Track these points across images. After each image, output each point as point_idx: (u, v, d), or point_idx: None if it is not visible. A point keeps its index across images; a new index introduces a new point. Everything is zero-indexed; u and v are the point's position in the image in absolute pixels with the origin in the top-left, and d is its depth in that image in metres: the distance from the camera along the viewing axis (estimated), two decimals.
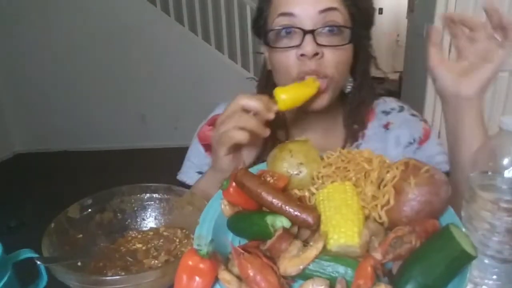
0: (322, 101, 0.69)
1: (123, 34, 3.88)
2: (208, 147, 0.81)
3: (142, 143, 4.21)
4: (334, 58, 0.66)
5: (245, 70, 4.03)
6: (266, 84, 0.79)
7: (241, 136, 0.58)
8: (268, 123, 0.62)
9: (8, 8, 3.80)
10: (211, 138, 0.65)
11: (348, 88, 0.76)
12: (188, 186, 0.79)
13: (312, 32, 0.63)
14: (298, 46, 0.64)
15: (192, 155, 0.86)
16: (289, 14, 0.65)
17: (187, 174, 0.84)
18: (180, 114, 4.19)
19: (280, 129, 0.79)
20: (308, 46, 0.63)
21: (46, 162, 3.97)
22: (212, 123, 0.80)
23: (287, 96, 0.61)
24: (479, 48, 0.58)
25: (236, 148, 0.63)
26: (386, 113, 0.82)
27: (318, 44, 0.64)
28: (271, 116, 0.60)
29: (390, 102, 0.84)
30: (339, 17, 0.65)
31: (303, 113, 0.76)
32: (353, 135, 0.79)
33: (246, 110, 0.60)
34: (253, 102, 0.59)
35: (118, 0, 3.80)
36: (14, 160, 4.14)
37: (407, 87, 3.57)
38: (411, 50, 3.60)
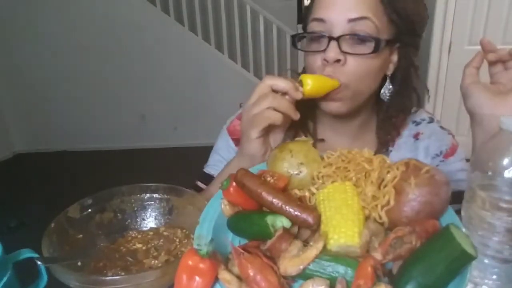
0: (338, 108, 0.69)
1: (123, 34, 3.88)
2: (238, 141, 0.81)
3: (142, 143, 4.21)
4: (357, 67, 0.65)
5: (245, 70, 4.04)
6: None
7: (276, 117, 0.59)
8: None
9: (7, 8, 3.80)
10: (240, 122, 0.66)
11: (387, 96, 0.74)
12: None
13: (337, 39, 0.64)
14: (323, 51, 0.65)
15: (220, 148, 0.86)
16: (321, 20, 0.66)
17: (214, 167, 0.84)
18: (180, 114, 4.19)
19: (310, 120, 0.81)
20: (331, 52, 0.64)
21: (46, 162, 3.97)
22: (233, 131, 0.82)
23: (313, 83, 0.63)
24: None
25: (268, 130, 0.64)
26: (417, 123, 0.82)
27: (342, 51, 0.64)
28: (299, 96, 0.61)
29: (420, 113, 0.84)
30: (370, 26, 0.64)
31: (334, 116, 0.76)
32: (384, 143, 0.79)
33: (275, 91, 0.61)
34: (282, 82, 0.60)
35: (118, 0, 3.80)
36: (14, 160, 4.14)
37: None
38: None
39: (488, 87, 0.60)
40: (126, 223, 0.67)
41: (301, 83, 0.63)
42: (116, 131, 4.24)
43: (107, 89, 4.11)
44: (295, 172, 0.53)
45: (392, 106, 0.76)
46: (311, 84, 0.62)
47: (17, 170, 3.90)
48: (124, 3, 3.80)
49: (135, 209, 0.68)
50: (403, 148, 0.80)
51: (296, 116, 0.62)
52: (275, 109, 0.59)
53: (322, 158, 0.55)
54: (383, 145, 0.79)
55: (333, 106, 0.69)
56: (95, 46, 3.93)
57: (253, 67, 4.04)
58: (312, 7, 0.69)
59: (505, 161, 0.43)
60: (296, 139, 0.61)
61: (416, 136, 0.81)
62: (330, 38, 0.64)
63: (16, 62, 4.01)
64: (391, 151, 0.79)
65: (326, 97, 0.67)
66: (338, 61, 0.64)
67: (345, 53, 0.64)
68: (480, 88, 0.60)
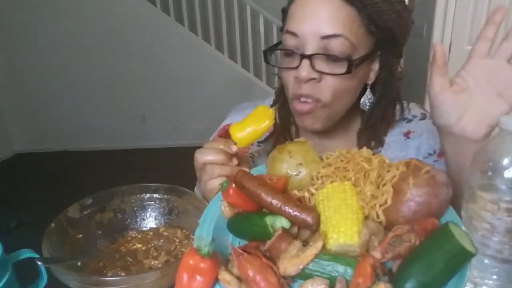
0: (312, 125, 0.68)
1: (123, 34, 3.88)
2: None
3: (142, 143, 4.21)
4: (333, 85, 0.63)
5: (245, 70, 4.04)
6: (282, 92, 0.79)
7: (219, 181, 0.57)
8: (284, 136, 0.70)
9: (7, 8, 3.80)
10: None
11: (366, 105, 0.72)
12: None
13: (309, 57, 0.61)
14: (295, 68, 0.63)
15: None
16: (293, 34, 0.63)
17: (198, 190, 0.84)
18: (180, 114, 4.19)
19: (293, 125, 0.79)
20: (303, 71, 0.62)
21: (46, 162, 3.97)
22: (223, 133, 0.79)
23: (243, 134, 0.61)
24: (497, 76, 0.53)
25: None
26: (408, 120, 0.78)
27: (315, 70, 0.62)
28: (234, 151, 0.60)
29: (412, 109, 0.79)
30: (344, 44, 0.61)
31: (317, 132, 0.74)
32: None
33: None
34: (211, 157, 0.59)
35: (118, 0, 3.80)
36: (14, 160, 4.15)
37: (407, 87, 3.57)
38: (410, 50, 3.60)
39: (458, 98, 0.55)
40: (126, 223, 0.67)
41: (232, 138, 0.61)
42: (116, 131, 4.25)
43: (107, 89, 4.11)
44: (294, 173, 0.53)
45: (372, 116, 0.73)
46: (242, 135, 0.60)
47: (17, 170, 3.90)
48: (124, 3, 3.80)
49: (135, 209, 0.68)
50: (392, 147, 0.77)
51: (245, 167, 0.60)
52: (216, 176, 0.59)
53: (321, 159, 0.55)
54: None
55: (307, 122, 0.68)
56: (95, 46, 3.93)
57: (253, 67, 4.04)
58: (288, 16, 0.65)
59: (505, 161, 0.43)
60: (295, 140, 0.61)
61: (406, 135, 0.77)
62: (303, 56, 0.62)
63: (16, 62, 4.01)
64: (380, 151, 0.76)
65: (300, 113, 0.66)
66: (312, 79, 0.62)
67: (318, 71, 0.62)
68: (448, 100, 0.54)
